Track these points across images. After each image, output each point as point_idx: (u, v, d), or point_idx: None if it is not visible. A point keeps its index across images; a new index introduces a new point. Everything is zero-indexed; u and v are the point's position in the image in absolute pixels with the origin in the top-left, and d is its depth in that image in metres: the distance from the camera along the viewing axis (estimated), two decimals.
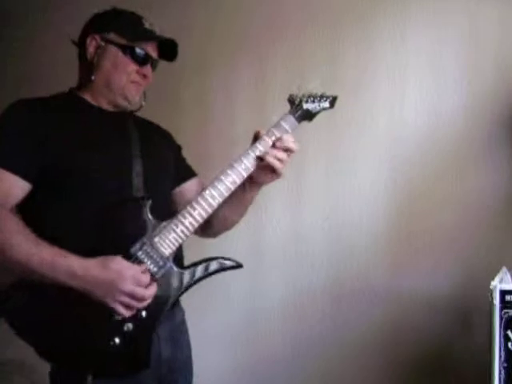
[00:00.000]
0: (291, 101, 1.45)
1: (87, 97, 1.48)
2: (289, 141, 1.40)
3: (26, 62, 2.77)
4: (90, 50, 1.45)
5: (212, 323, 2.41)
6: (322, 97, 1.46)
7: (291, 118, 1.43)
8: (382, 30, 2.25)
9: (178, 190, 1.62)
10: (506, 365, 1.43)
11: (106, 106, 1.49)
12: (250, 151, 1.40)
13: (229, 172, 1.39)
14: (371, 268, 2.23)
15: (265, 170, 1.42)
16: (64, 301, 1.29)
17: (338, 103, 1.49)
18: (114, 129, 1.48)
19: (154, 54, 1.50)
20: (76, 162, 1.36)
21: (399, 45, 2.23)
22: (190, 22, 2.46)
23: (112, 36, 1.45)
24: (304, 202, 2.35)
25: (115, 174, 1.41)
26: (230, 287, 2.33)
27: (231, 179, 1.39)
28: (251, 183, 1.47)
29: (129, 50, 1.44)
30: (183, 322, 1.59)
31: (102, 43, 1.44)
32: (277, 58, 2.38)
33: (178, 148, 1.69)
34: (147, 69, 1.48)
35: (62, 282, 1.26)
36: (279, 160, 1.39)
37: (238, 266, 1.42)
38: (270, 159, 1.38)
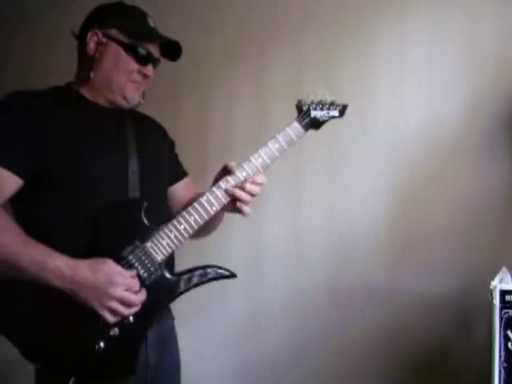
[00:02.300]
0: (299, 107, 1.40)
1: (84, 92, 1.44)
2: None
3: (26, 63, 2.77)
4: (91, 45, 1.41)
5: (211, 324, 2.41)
6: (331, 104, 1.41)
7: (297, 126, 1.39)
8: (381, 30, 2.25)
9: (169, 189, 1.59)
10: (506, 365, 1.43)
11: (103, 103, 1.45)
12: (251, 159, 1.37)
13: (228, 179, 1.37)
14: (371, 268, 2.23)
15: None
16: (50, 301, 1.27)
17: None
18: (111, 125, 1.44)
19: (156, 53, 1.47)
20: (71, 157, 1.33)
21: (399, 44, 2.23)
22: (189, 21, 2.46)
23: (114, 33, 1.41)
24: (304, 201, 2.35)
25: (111, 172, 1.38)
26: (229, 287, 2.32)
27: (231, 185, 1.36)
28: None
29: (131, 49, 1.41)
30: (172, 329, 1.55)
31: (104, 39, 1.40)
32: (276, 58, 2.38)
33: (172, 143, 1.66)
34: (149, 68, 1.45)
35: (49, 283, 1.25)
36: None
37: (233, 275, 1.39)
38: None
